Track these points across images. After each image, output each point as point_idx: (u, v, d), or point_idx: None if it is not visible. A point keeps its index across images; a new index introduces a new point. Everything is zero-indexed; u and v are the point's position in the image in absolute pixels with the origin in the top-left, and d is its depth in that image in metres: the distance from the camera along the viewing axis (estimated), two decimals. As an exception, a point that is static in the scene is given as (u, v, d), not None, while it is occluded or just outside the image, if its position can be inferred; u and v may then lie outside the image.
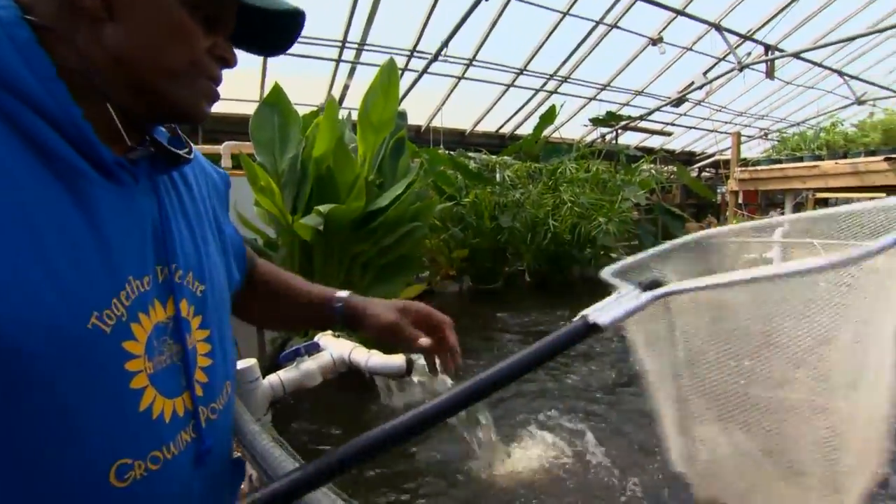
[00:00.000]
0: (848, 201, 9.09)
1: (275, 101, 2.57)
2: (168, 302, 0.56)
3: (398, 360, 1.48)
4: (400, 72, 5.83)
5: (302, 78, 5.60)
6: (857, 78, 7.36)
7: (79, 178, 0.47)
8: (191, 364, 0.58)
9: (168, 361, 0.55)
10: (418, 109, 6.55)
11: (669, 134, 8.87)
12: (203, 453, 0.58)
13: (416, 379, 1.67)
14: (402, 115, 2.97)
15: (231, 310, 0.74)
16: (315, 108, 3.18)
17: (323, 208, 2.15)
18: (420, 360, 1.62)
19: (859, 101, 7.67)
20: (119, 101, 0.50)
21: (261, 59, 5.14)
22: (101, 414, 0.47)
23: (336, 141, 2.36)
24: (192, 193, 0.65)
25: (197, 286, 0.61)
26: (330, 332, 1.83)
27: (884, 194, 6.84)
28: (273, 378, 1.46)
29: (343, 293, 0.83)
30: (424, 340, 0.75)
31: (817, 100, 8.68)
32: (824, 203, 8.80)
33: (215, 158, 4.20)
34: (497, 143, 7.34)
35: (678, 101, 7.25)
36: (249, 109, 5.50)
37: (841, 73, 7.23)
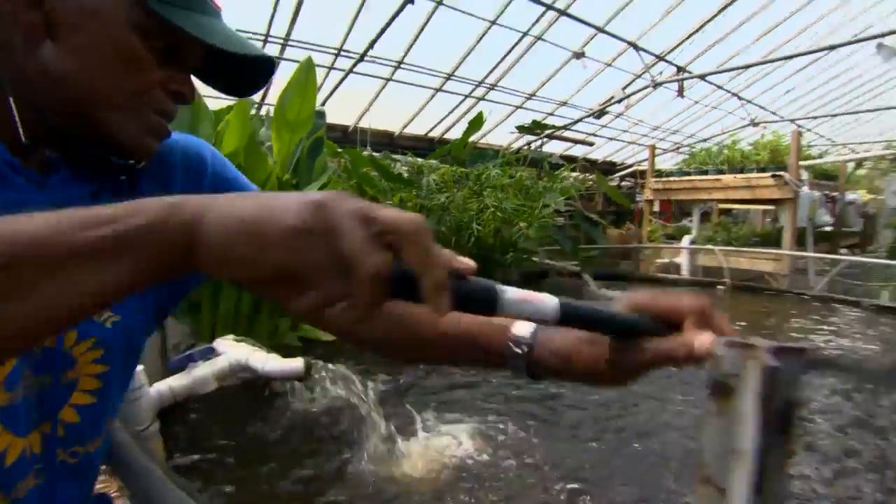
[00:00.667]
0: (746, 212, 10.00)
1: (182, 94, 2.44)
2: None
3: (296, 363, 1.47)
4: (326, 70, 5.75)
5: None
6: (751, 102, 8.12)
7: None
8: (53, 401, 0.51)
9: (22, 395, 0.48)
10: (346, 109, 6.47)
11: (591, 144, 9.34)
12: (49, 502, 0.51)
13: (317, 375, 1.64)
14: (321, 115, 2.92)
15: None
16: (232, 104, 3.05)
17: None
18: (320, 363, 1.61)
19: (753, 123, 8.47)
20: (54, 120, 0.47)
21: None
22: None
23: (247, 138, 2.29)
24: None
25: (107, 316, 0.53)
26: (231, 336, 1.78)
27: (773, 206, 7.62)
28: (161, 386, 1.39)
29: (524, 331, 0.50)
30: None
31: (720, 119, 9.49)
32: (727, 213, 9.64)
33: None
34: (426, 145, 7.39)
35: (599, 113, 7.66)
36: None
37: (739, 97, 7.95)
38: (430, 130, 7.75)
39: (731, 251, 5.95)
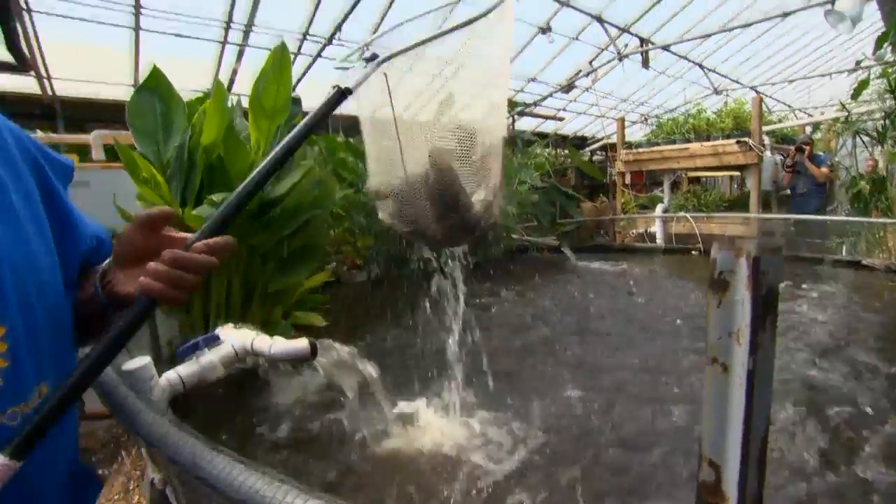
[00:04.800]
0: (714, 180, 10.20)
1: (155, 86, 2.38)
2: None
3: (302, 343, 1.49)
4: (293, 56, 5.63)
5: (182, 60, 5.18)
6: (714, 71, 8.31)
7: None
8: None
9: None
10: (314, 95, 6.35)
11: (561, 119, 9.43)
12: None
13: (318, 362, 1.66)
14: (297, 102, 2.89)
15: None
16: (201, 94, 2.98)
17: (216, 197, 2.06)
18: (326, 341, 1.63)
19: (717, 91, 8.68)
20: None
21: (131, 36, 4.67)
22: None
23: (226, 128, 2.26)
24: None
25: None
26: (230, 323, 1.78)
27: (739, 173, 7.87)
28: (171, 375, 1.40)
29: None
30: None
31: (685, 89, 9.69)
32: (696, 182, 9.90)
33: (84, 149, 3.78)
34: (399, 129, 7.35)
35: (567, 88, 7.73)
36: (119, 93, 4.96)
37: (701, 66, 8.12)
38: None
39: (702, 217, 6.16)
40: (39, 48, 3.37)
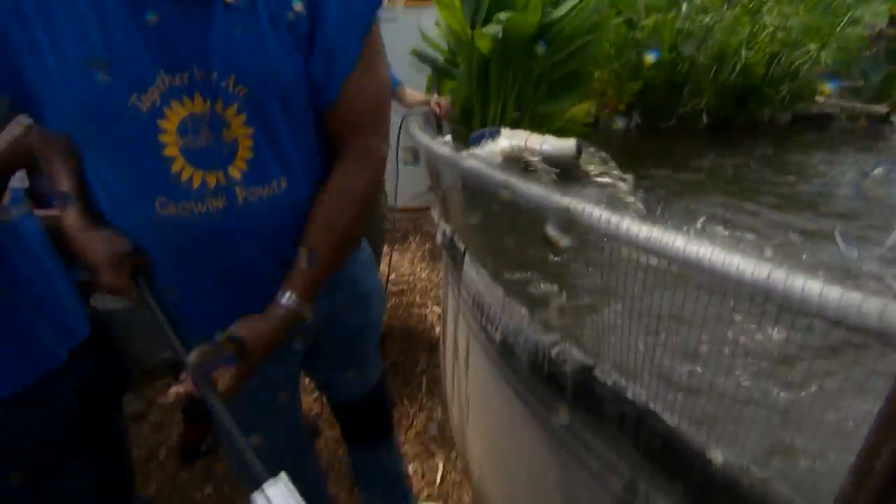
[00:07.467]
0: None
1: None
2: (207, 99, 0.69)
3: (569, 143, 1.67)
4: None
5: None
6: None
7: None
8: (223, 151, 0.71)
9: (204, 143, 0.70)
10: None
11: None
12: (235, 217, 0.74)
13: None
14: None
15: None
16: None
17: (502, 16, 2.25)
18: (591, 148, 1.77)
19: None
20: None
21: None
22: (146, 164, 0.69)
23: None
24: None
25: (239, 89, 0.69)
26: (509, 127, 2.07)
27: None
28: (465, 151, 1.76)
29: (287, 300, 0.78)
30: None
31: None
32: None
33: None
34: (692, -41, 6.21)
35: None
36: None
37: None
38: (699, -61, 6.41)
39: None
40: None
